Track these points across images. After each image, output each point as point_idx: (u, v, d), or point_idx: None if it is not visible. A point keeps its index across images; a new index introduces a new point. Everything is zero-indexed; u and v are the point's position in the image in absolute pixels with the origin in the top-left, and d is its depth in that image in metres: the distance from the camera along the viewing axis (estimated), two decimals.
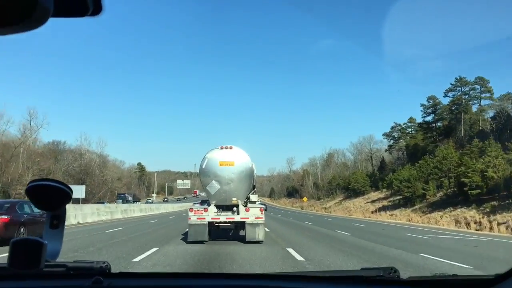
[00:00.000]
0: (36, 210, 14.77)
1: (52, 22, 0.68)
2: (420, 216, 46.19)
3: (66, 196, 1.30)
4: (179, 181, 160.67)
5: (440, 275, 1.95)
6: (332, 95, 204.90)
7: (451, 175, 52.83)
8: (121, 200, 74.24)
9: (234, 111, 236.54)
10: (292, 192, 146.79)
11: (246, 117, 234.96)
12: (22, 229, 13.61)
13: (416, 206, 52.33)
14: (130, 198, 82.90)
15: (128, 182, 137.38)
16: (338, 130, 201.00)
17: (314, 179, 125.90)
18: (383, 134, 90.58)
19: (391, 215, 53.44)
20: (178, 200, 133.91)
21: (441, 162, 52.94)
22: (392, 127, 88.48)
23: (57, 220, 1.43)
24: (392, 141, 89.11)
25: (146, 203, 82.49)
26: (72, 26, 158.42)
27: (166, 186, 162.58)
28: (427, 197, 52.62)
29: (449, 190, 50.05)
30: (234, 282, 1.95)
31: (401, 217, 48.29)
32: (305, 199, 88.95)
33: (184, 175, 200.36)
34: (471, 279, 1.82)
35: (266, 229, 20.06)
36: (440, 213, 43.50)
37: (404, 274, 1.90)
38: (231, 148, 13.78)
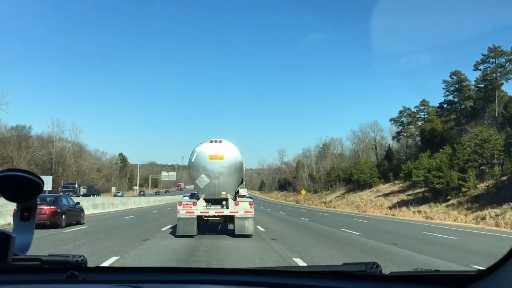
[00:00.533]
0: (71, 202, 20.01)
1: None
2: (465, 214, 35.72)
3: (36, 187, 1.25)
4: (163, 173, 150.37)
5: (421, 271, 1.90)
6: (325, 88, 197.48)
7: (495, 161, 42.55)
8: (67, 193, 58.87)
9: (223, 103, 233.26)
10: (284, 185, 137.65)
11: (235, 109, 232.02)
12: (63, 217, 17.68)
13: (453, 201, 41.78)
14: (84, 190, 69.43)
15: (108, 173, 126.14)
16: (332, 123, 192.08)
17: (309, 171, 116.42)
18: (390, 120, 79.90)
19: (418, 211, 43.00)
20: (157, 194, 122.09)
21: (482, 146, 42.49)
22: (401, 112, 78.07)
23: (28, 212, 1.36)
24: (400, 127, 78.84)
25: (114, 196, 71.16)
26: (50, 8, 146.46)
27: (150, 178, 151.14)
28: (464, 189, 42.21)
29: (498, 180, 39.55)
30: (215, 277, 1.89)
31: (438, 215, 37.72)
32: (303, 192, 78.30)
33: (171, 168, 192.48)
34: (453, 275, 1.74)
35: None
36: (496, 210, 33.11)
37: (386, 270, 1.79)
38: (220, 141, 13.66)
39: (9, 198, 1.28)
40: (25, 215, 1.37)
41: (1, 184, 1.22)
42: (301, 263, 9.13)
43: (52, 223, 16.59)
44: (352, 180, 73.77)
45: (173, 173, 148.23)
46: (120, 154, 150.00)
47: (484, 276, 1.52)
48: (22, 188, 1.24)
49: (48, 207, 16.90)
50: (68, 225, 17.78)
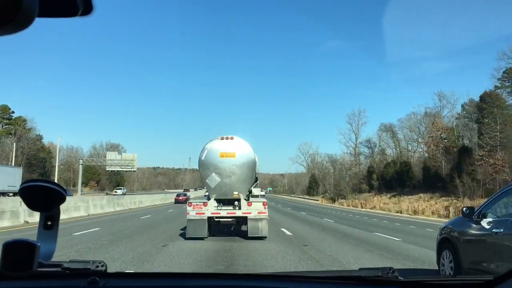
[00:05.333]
0: (188, 194, 56.02)
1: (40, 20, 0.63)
2: None
3: (59, 197, 1.28)
4: (109, 155, 70.47)
5: (438, 277, 1.98)
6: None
7: None
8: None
9: (232, 107, 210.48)
10: (388, 181, 56.63)
11: (245, 113, 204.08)
12: (187, 200, 32.08)
13: None
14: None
15: None
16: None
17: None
18: None
19: None
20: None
21: None
22: None
23: (51, 221, 1.38)
24: None
25: None
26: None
27: (81, 167, 71.41)
28: None
29: None
30: (230, 282, 1.92)
31: None
32: None
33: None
34: (470, 281, 1.76)
35: None
36: None
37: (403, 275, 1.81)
38: (232, 138, 13.31)
39: (33, 207, 1.30)
40: (48, 224, 1.37)
41: (25, 194, 1.23)
42: None
43: (185, 202, 35.91)
44: None
45: (132, 155, 68.01)
46: (4, 107, 71.33)
47: (500, 282, 1.53)
48: (45, 198, 1.25)
49: (184, 196, 48.79)
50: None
